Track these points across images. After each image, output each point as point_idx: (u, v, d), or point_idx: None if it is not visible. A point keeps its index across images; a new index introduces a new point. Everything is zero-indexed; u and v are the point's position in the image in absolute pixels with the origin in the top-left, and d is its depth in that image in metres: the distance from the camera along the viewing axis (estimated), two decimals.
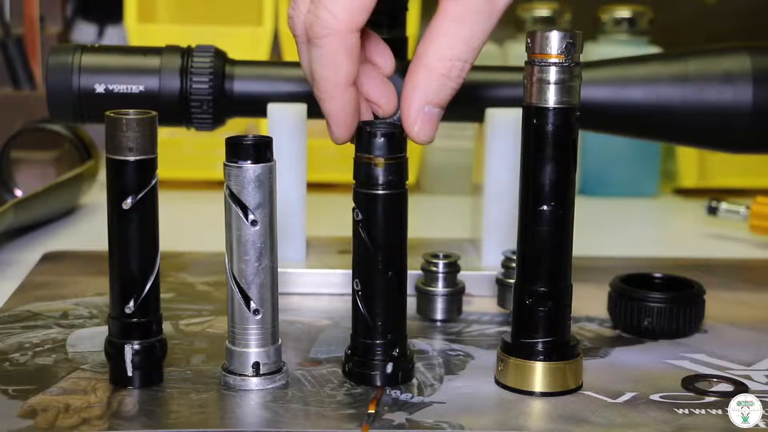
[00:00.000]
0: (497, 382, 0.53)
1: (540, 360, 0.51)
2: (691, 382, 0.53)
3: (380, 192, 0.50)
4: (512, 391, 0.52)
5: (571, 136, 0.50)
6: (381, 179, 0.50)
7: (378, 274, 0.51)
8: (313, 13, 0.48)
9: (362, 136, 0.50)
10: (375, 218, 0.51)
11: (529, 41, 0.50)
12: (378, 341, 0.52)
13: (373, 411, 0.49)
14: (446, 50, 0.48)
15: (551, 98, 0.49)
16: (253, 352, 0.51)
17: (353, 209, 0.51)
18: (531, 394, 0.51)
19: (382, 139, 0.50)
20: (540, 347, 0.52)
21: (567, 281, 0.52)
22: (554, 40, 0.49)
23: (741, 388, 0.53)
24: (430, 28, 0.49)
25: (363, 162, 0.50)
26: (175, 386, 0.52)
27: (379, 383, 0.52)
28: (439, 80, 0.49)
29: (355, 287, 0.52)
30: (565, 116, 0.50)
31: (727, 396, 0.51)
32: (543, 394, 0.51)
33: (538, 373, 0.52)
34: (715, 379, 0.54)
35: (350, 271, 0.52)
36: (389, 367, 0.52)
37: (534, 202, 0.51)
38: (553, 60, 0.49)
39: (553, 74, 0.49)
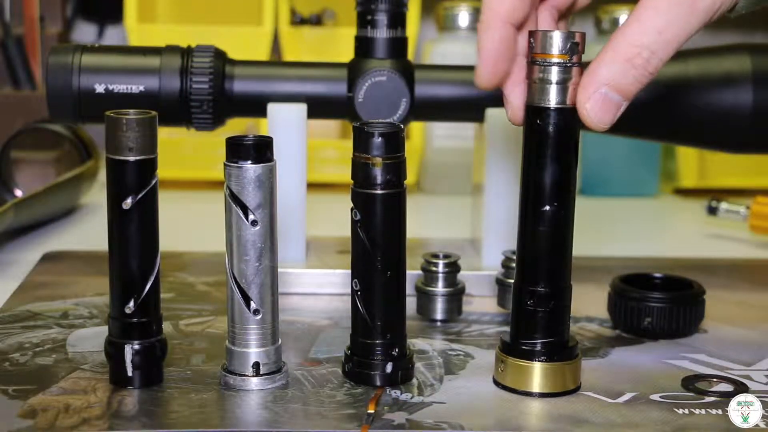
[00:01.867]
0: (495, 382, 0.53)
1: (539, 360, 0.51)
2: (691, 382, 0.53)
3: (378, 192, 0.50)
4: (510, 392, 0.52)
5: (573, 136, 0.50)
6: (379, 179, 0.50)
7: (377, 273, 0.51)
8: None
9: (360, 136, 0.50)
10: (373, 218, 0.50)
11: (531, 41, 0.50)
12: (377, 341, 0.52)
13: (372, 411, 0.49)
14: (636, 36, 0.47)
15: (553, 98, 0.49)
16: (253, 352, 0.51)
17: (352, 209, 0.51)
18: (529, 394, 0.51)
19: (380, 138, 0.50)
20: (539, 348, 0.51)
21: (567, 281, 0.52)
22: (556, 40, 0.49)
23: (741, 388, 0.53)
24: (630, 14, 0.48)
25: (361, 162, 0.50)
26: (175, 386, 0.52)
27: (378, 383, 0.52)
28: (622, 65, 0.48)
29: (354, 287, 0.52)
30: (567, 116, 0.50)
31: (727, 396, 0.51)
32: (541, 395, 0.51)
33: (537, 374, 0.51)
34: (715, 379, 0.54)
35: (350, 271, 0.52)
36: (389, 367, 0.52)
37: (535, 202, 0.51)
38: (555, 60, 0.49)
39: (554, 74, 0.49)
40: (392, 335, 0.52)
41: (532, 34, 0.50)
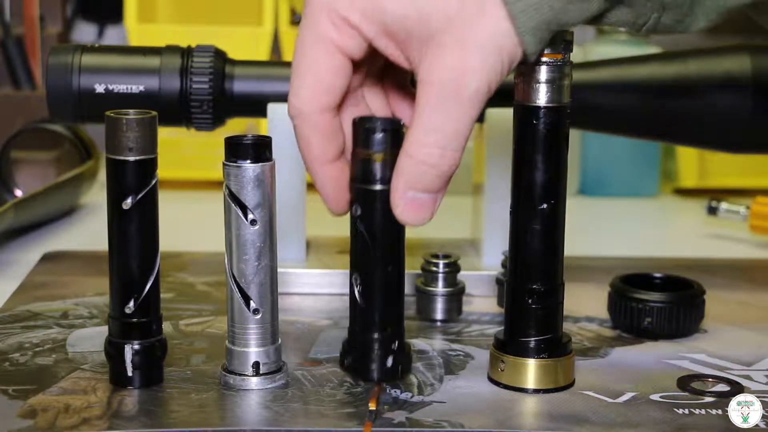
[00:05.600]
0: (490, 379, 0.53)
1: (533, 357, 0.52)
2: (686, 382, 0.53)
3: (378, 188, 0.50)
4: (505, 388, 0.52)
5: (563, 134, 0.50)
6: (379, 175, 0.50)
7: (377, 268, 0.51)
8: (289, 96, 0.50)
9: (360, 131, 0.50)
10: (373, 214, 0.50)
11: None
12: (376, 335, 0.52)
13: (374, 408, 0.49)
14: (422, 137, 0.47)
15: (542, 97, 0.49)
16: (253, 351, 0.51)
17: (352, 204, 0.51)
18: (524, 391, 0.52)
19: (381, 134, 0.49)
20: (533, 344, 0.52)
21: (560, 278, 0.52)
22: None
23: (737, 388, 0.53)
24: (414, 112, 0.48)
25: (361, 158, 0.50)
26: (175, 386, 0.52)
27: (377, 377, 0.51)
28: (419, 167, 0.48)
29: (354, 282, 0.52)
30: (556, 115, 0.50)
31: (725, 396, 0.51)
32: (536, 391, 0.51)
33: (532, 371, 0.52)
34: (711, 379, 0.54)
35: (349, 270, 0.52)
36: (389, 361, 0.52)
37: (527, 200, 0.51)
38: (543, 59, 0.49)
39: (543, 73, 0.49)
40: (391, 329, 0.52)
41: None
